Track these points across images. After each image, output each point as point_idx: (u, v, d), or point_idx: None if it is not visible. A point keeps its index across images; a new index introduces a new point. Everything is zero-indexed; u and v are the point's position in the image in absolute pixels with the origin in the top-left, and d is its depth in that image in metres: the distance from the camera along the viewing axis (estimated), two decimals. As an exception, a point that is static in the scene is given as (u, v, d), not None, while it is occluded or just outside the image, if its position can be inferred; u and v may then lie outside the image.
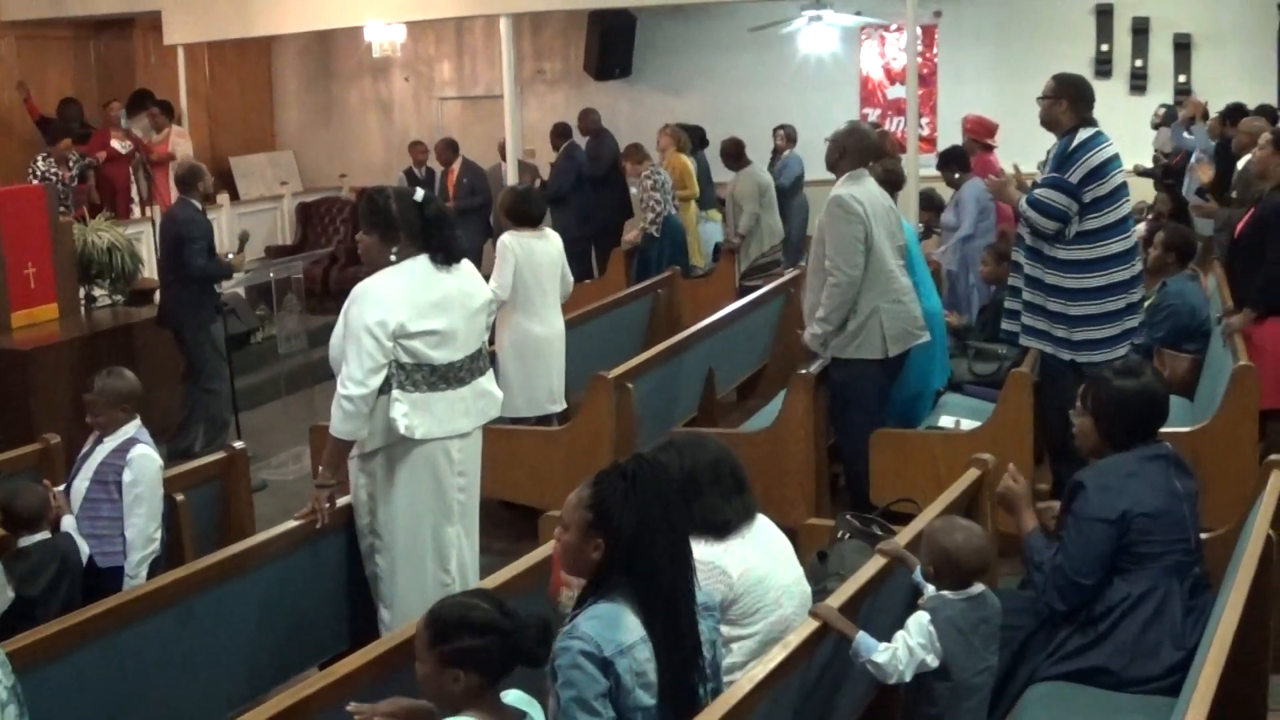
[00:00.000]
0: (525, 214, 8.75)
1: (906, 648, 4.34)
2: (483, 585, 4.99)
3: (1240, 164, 10.99)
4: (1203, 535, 5.33)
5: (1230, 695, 4.13)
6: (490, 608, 3.64)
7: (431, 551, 5.86)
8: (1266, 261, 7.64)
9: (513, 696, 3.73)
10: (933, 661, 4.37)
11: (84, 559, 5.94)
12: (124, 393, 6.19)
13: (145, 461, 6.07)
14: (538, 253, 8.65)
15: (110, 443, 6.13)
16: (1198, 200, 10.50)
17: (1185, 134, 13.49)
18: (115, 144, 15.34)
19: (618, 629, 3.76)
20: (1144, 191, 12.89)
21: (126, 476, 6.01)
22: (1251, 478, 5.83)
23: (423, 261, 5.77)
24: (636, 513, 3.84)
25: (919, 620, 4.41)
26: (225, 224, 16.53)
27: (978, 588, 4.55)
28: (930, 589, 4.58)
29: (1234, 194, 10.88)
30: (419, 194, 5.88)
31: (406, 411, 5.66)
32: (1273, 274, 7.62)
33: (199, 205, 10.19)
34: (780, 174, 15.19)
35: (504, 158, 15.82)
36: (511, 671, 3.65)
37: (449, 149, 15.79)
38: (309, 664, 5.70)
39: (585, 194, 15.45)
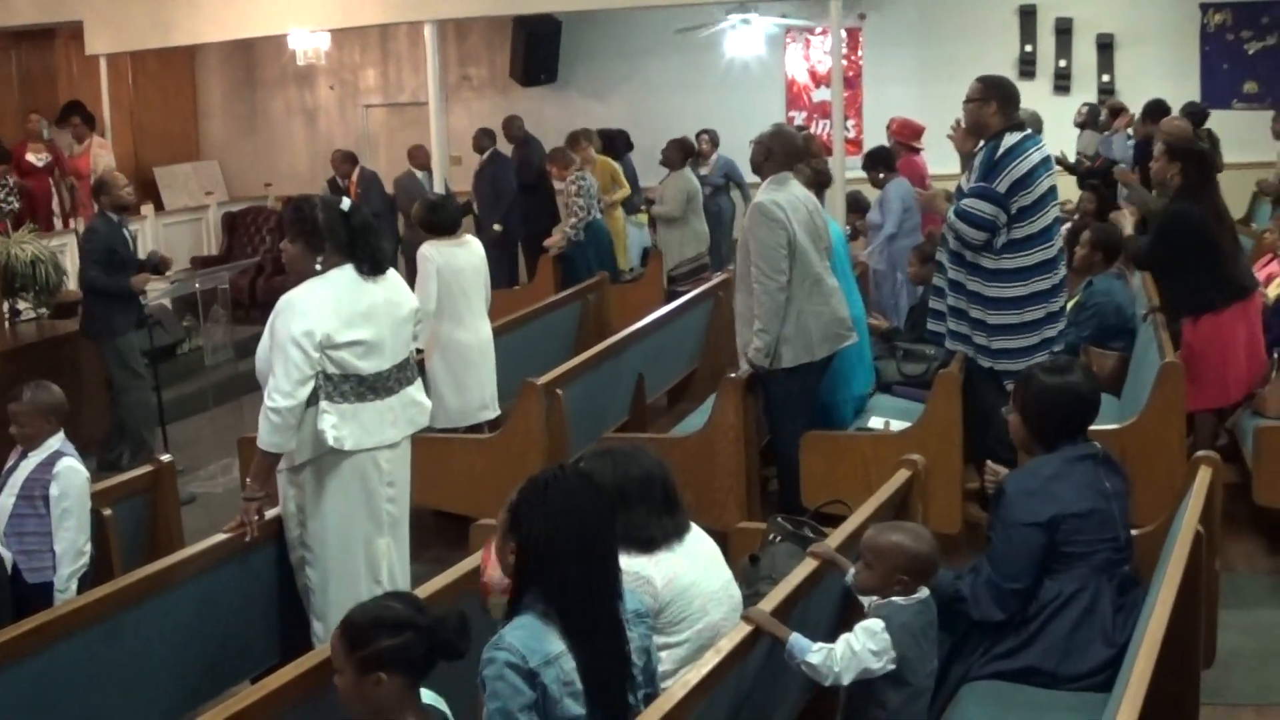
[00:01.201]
0: (438, 224, 8.73)
1: (850, 650, 4.33)
2: (415, 594, 4.95)
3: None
4: (1132, 532, 5.37)
5: (1162, 690, 4.16)
6: (403, 606, 3.65)
7: (363, 563, 5.83)
8: (1172, 275, 7.78)
9: (428, 697, 3.72)
10: (880, 668, 4.35)
11: (7, 568, 5.88)
12: (50, 406, 6.13)
13: (72, 474, 6.00)
14: (459, 260, 8.63)
15: (35, 457, 6.06)
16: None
17: (1113, 144, 13.61)
18: (30, 157, 15.15)
19: (544, 639, 3.76)
20: (1068, 189, 12.98)
21: (54, 490, 5.94)
22: (1180, 473, 5.89)
23: (348, 271, 5.74)
24: (544, 522, 3.86)
25: (871, 627, 4.39)
26: (150, 235, 16.40)
27: (924, 592, 4.56)
28: (873, 599, 4.57)
29: (1154, 192, 10.99)
30: (345, 203, 5.86)
31: (335, 423, 5.64)
32: (1178, 287, 7.74)
33: (113, 217, 10.09)
34: (713, 176, 15.26)
35: (413, 165, 15.82)
36: (433, 668, 3.64)
37: (346, 161, 15.77)
38: (240, 678, 5.66)
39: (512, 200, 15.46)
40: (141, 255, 10.82)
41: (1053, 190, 7.48)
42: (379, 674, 3.53)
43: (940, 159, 12.50)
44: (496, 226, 14.88)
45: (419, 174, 15.64)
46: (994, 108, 7.44)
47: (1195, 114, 12.27)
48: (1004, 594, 5.02)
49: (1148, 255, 7.98)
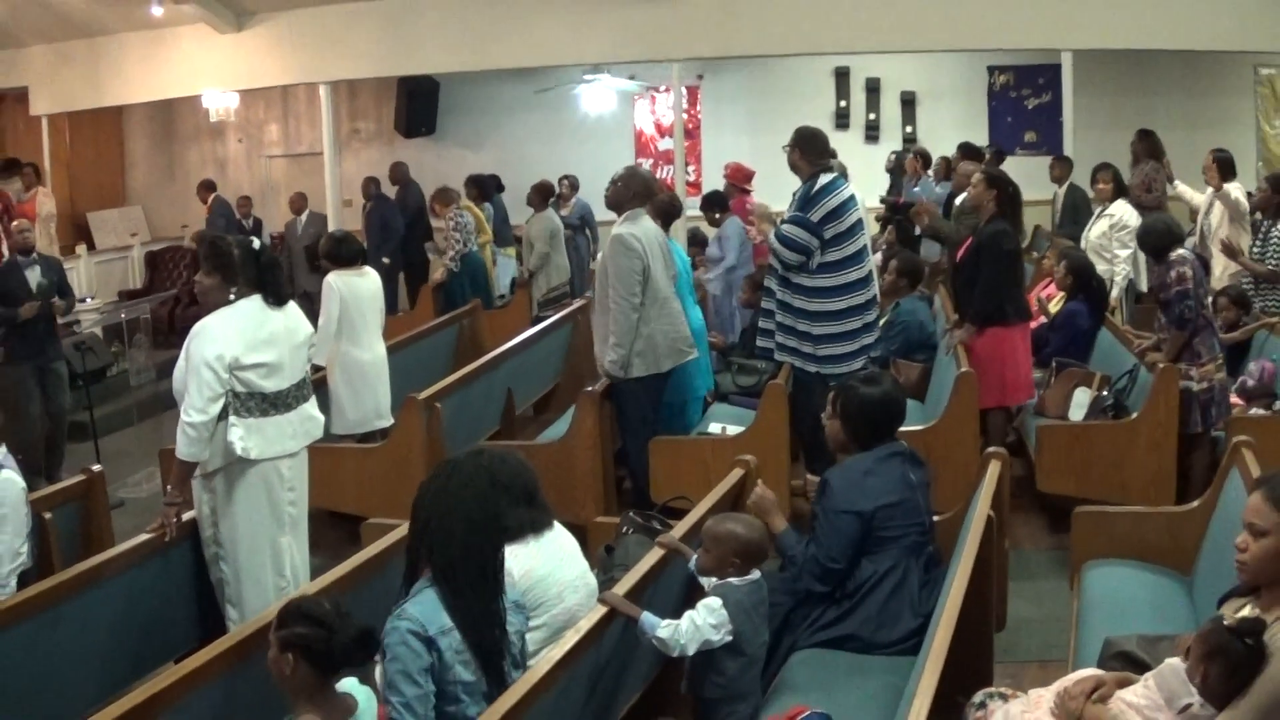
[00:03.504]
0: (341, 255, 8.66)
1: (693, 625, 4.34)
2: (313, 584, 5.00)
3: (957, 201, 11.28)
4: (934, 518, 5.44)
5: (962, 651, 4.21)
6: (329, 608, 3.64)
7: (269, 558, 5.80)
8: (980, 283, 7.82)
9: (347, 684, 3.69)
10: (719, 640, 4.38)
11: None
12: None
13: (8, 484, 5.84)
14: (359, 288, 8.57)
15: None
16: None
17: (914, 188, 13.79)
18: None
19: (439, 612, 3.80)
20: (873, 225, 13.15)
21: None
22: (974, 467, 6.01)
23: (256, 301, 5.74)
24: (431, 505, 3.95)
25: (710, 604, 4.41)
26: (83, 271, 16.31)
27: (756, 574, 4.58)
28: (712, 580, 4.58)
29: (952, 222, 11.15)
30: (255, 242, 5.88)
31: (242, 435, 5.62)
32: (986, 293, 7.81)
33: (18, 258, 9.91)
34: (571, 217, 15.27)
35: (295, 213, 15.97)
36: (337, 669, 3.62)
37: (204, 188, 16.42)
38: (165, 659, 5.57)
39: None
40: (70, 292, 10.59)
41: (860, 222, 7.68)
42: (289, 655, 3.55)
43: (768, 198, 12.61)
44: (385, 260, 14.79)
45: (299, 217, 15.90)
46: (798, 153, 7.69)
47: (976, 156, 12.50)
48: (824, 571, 5.06)
49: (989, 278, 7.95)
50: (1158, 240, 7.73)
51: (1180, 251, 7.59)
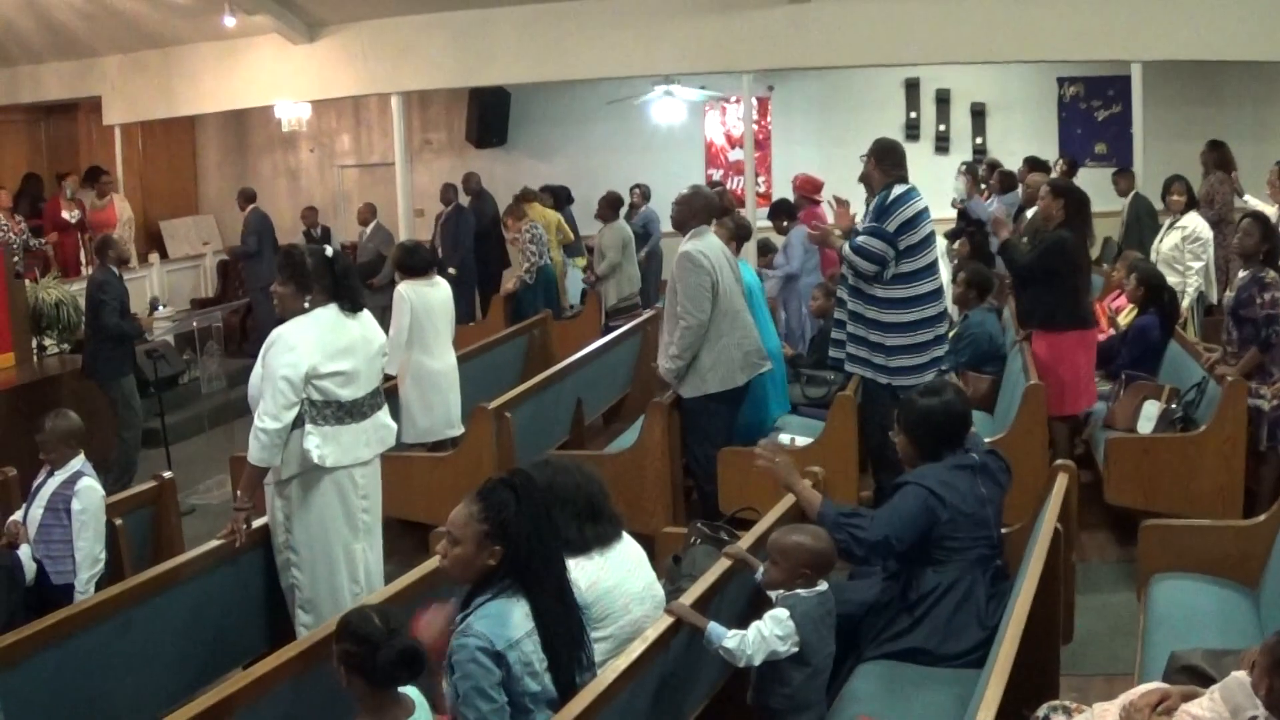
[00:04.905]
0: (413, 266, 8.72)
1: (760, 635, 4.36)
2: (385, 591, 5.04)
3: (1028, 214, 11.23)
4: (1003, 530, 5.43)
5: (1028, 664, 4.22)
6: (378, 624, 3.69)
7: (343, 564, 5.84)
8: (1037, 286, 7.91)
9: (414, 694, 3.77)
10: (785, 651, 4.39)
11: (29, 577, 5.93)
12: (70, 431, 6.17)
13: (91, 492, 6.05)
14: (430, 298, 8.62)
15: (60, 475, 6.09)
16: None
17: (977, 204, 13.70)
18: (65, 214, 15.27)
19: (507, 626, 3.82)
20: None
21: (75, 505, 5.97)
22: (1042, 479, 5.96)
23: (332, 310, 5.77)
24: (530, 520, 3.92)
25: (778, 615, 4.42)
26: (155, 279, 16.60)
27: (823, 585, 4.59)
28: (779, 591, 4.58)
29: (1024, 239, 11.09)
30: (329, 250, 5.89)
31: (319, 443, 5.66)
32: (1042, 295, 7.90)
33: (114, 270, 10.03)
34: (639, 227, 15.29)
35: (362, 224, 16.00)
36: (389, 684, 3.70)
37: (241, 197, 16.01)
38: (234, 665, 5.65)
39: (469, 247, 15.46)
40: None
41: (933, 234, 7.64)
42: (343, 668, 3.66)
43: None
44: (451, 270, 14.89)
45: (364, 229, 15.94)
46: (873, 164, 7.65)
47: (1042, 168, 12.44)
48: (879, 544, 5.00)
49: (1027, 265, 8.05)
50: (1258, 244, 7.57)
51: (1273, 274, 7.52)
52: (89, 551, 5.96)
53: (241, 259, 16.21)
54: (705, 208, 7.91)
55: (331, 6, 14.79)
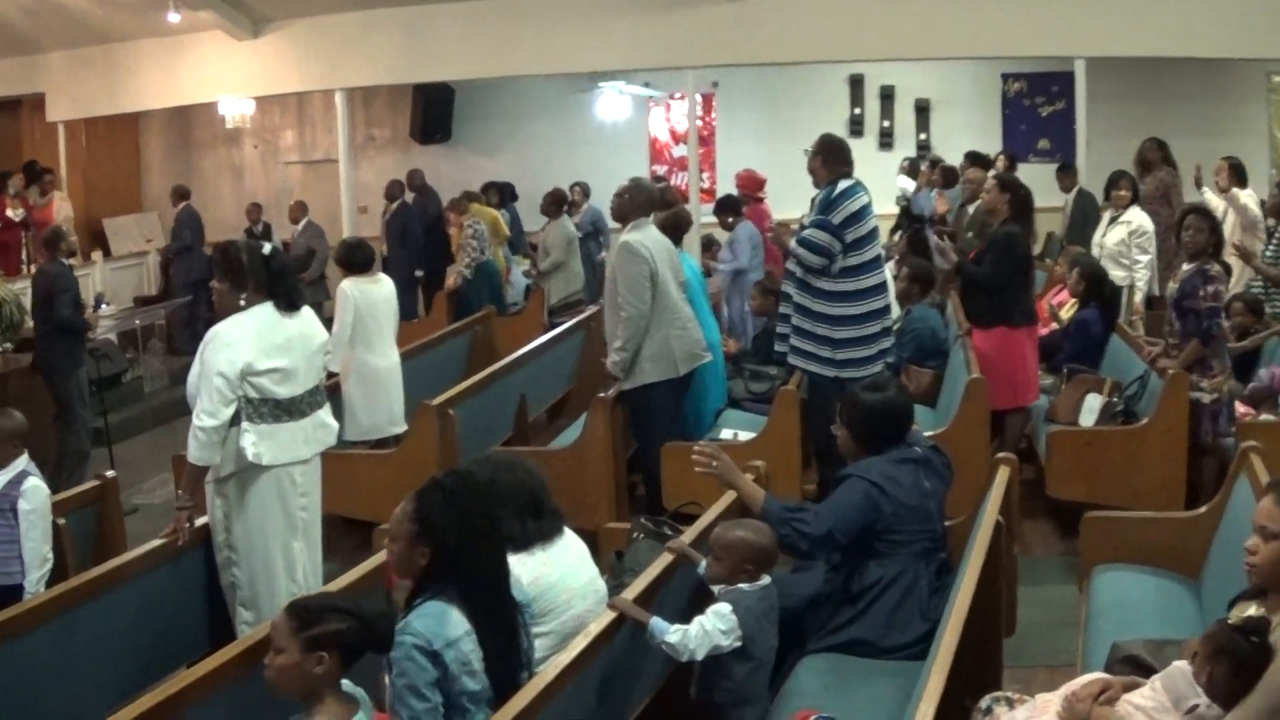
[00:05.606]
0: (355, 262, 8.68)
1: (702, 630, 4.35)
2: (327, 589, 4.99)
3: (971, 209, 11.29)
4: (946, 524, 5.44)
5: (970, 656, 4.23)
6: (349, 601, 3.70)
7: (281, 562, 5.80)
8: (988, 280, 7.93)
9: (346, 687, 3.69)
10: (728, 645, 4.38)
11: None
12: (14, 430, 6.06)
13: (37, 491, 5.95)
14: (373, 295, 8.61)
15: (4, 475, 5.95)
16: (936, 241, 10.72)
17: (921, 197, 13.78)
18: (9, 213, 14.97)
19: (445, 625, 3.80)
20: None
21: (23, 505, 5.86)
22: (984, 473, 5.95)
23: (268, 308, 5.72)
24: (458, 523, 3.90)
25: (720, 610, 4.42)
26: (99, 277, 16.37)
27: (766, 579, 4.59)
28: (722, 586, 4.58)
29: (970, 234, 11.15)
30: (267, 247, 5.86)
31: (255, 441, 5.62)
32: (992, 290, 7.92)
33: (65, 262, 9.84)
34: (583, 224, 15.28)
35: (293, 221, 16.00)
36: (361, 657, 3.64)
37: (175, 194, 16.19)
38: (178, 664, 5.56)
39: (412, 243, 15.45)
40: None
41: (876, 229, 7.71)
42: (322, 653, 3.51)
43: (780, 204, 12.64)
44: (418, 272, 14.95)
45: (296, 226, 15.95)
46: (819, 160, 7.67)
47: (1011, 161, 12.54)
48: (823, 539, 5.02)
49: (992, 275, 8.04)
50: (1207, 240, 7.59)
51: (1218, 266, 7.57)
52: (37, 551, 5.87)
53: (173, 256, 16.17)
54: (646, 200, 7.93)
55: (275, 2, 14.68)
